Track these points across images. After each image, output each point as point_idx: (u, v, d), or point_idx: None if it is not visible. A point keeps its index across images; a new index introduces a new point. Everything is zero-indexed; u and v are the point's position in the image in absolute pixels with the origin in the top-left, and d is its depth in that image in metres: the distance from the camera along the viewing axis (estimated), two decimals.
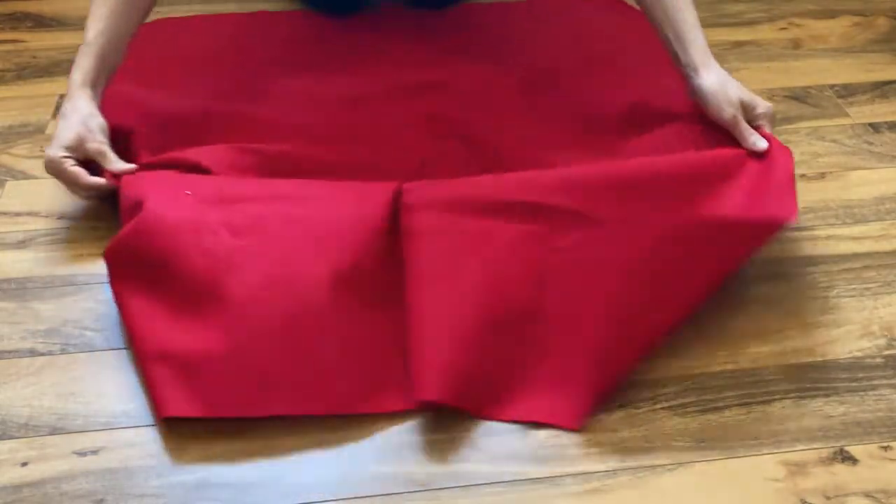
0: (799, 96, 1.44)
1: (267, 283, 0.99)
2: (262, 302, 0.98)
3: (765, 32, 1.60)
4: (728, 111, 1.15)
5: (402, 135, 1.29)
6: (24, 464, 0.92)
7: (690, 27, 1.18)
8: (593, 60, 1.45)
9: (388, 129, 1.30)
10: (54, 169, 1.13)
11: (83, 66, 1.17)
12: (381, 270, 1.04)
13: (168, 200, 1.05)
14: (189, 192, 1.06)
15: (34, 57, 1.50)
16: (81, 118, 1.14)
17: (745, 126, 1.14)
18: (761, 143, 1.13)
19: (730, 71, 1.41)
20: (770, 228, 1.06)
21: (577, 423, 0.95)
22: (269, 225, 1.05)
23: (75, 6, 1.64)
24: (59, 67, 1.47)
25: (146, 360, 0.97)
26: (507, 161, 1.25)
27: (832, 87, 1.46)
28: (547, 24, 1.55)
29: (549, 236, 1.05)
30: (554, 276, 1.04)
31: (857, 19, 1.63)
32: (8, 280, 1.10)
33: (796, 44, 1.57)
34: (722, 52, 1.54)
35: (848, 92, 1.45)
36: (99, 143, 1.14)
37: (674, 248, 1.04)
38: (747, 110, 1.15)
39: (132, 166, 1.14)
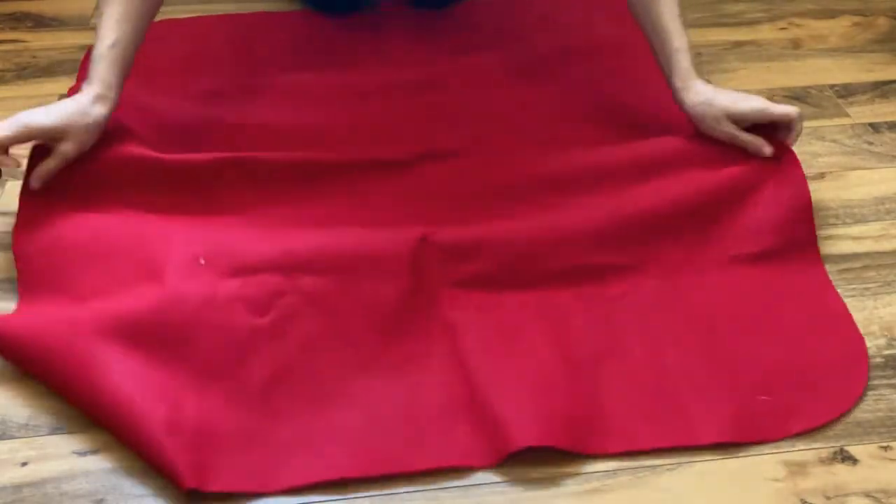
0: (799, 96, 1.44)
1: (289, 370, 0.98)
2: (284, 386, 0.97)
3: (765, 32, 1.60)
4: (717, 129, 1.17)
5: (401, 134, 1.29)
6: (24, 464, 0.92)
7: (674, 50, 1.19)
8: (595, 59, 1.45)
9: (388, 129, 1.30)
10: (16, 132, 1.08)
11: (110, 71, 1.12)
12: (406, 339, 1.03)
13: (184, 275, 1.02)
14: (203, 262, 1.04)
15: (34, 57, 1.50)
16: (92, 123, 1.10)
17: (742, 138, 1.16)
18: (766, 149, 1.15)
19: (730, 71, 1.41)
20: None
21: (682, 441, 0.95)
22: (288, 305, 1.02)
23: (75, 6, 1.64)
24: (60, 67, 1.47)
25: (154, 431, 0.90)
26: (507, 160, 1.25)
27: (832, 87, 1.46)
28: (547, 23, 1.55)
29: (600, 290, 1.09)
30: (618, 320, 1.06)
31: (857, 19, 1.63)
32: (8, 280, 1.10)
33: (796, 44, 1.57)
34: (722, 52, 1.54)
35: (848, 92, 1.45)
36: (65, 152, 1.10)
37: (704, 277, 1.11)
38: (741, 121, 1.16)
39: (33, 189, 1.10)
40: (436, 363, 1.01)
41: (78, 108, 1.10)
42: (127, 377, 0.93)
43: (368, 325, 1.03)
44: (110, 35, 1.14)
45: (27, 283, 1.07)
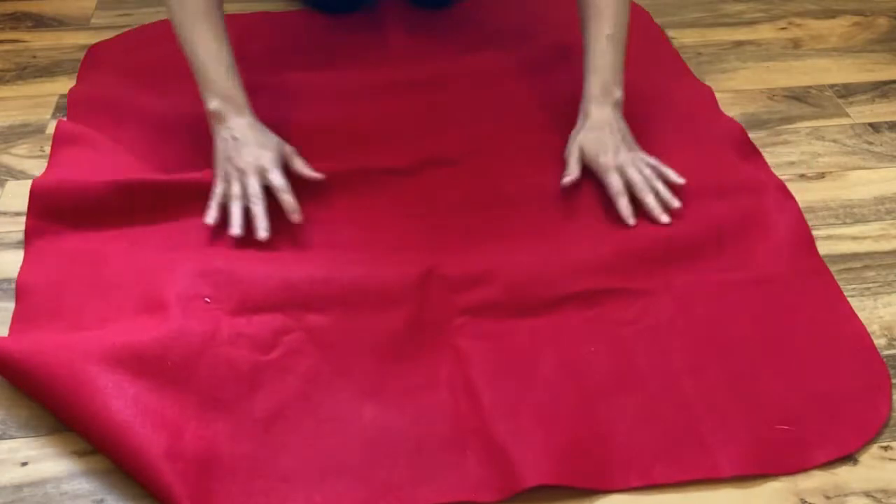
0: (799, 96, 1.44)
1: (293, 401, 0.96)
2: (287, 417, 0.95)
3: (765, 32, 1.60)
4: (565, 151, 1.21)
5: (401, 133, 1.29)
6: (24, 464, 0.92)
7: (587, 70, 1.22)
8: None
9: (388, 128, 1.30)
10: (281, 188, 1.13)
11: (242, 93, 1.19)
12: (413, 369, 1.00)
13: (188, 312, 1.01)
14: (208, 300, 1.03)
15: (34, 57, 1.50)
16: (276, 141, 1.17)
17: (568, 161, 1.19)
18: (565, 179, 1.18)
19: (729, 71, 1.41)
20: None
21: (700, 475, 0.91)
22: (293, 342, 1.01)
23: (75, 6, 1.64)
24: (59, 67, 1.47)
25: (153, 457, 0.88)
26: (507, 158, 1.25)
27: (832, 87, 1.46)
28: (546, 22, 1.55)
29: (611, 314, 1.06)
30: (631, 347, 1.03)
31: (857, 19, 1.63)
32: (8, 280, 1.10)
33: (796, 44, 1.57)
34: (722, 52, 1.54)
35: (848, 92, 1.45)
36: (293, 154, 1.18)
37: (717, 302, 1.08)
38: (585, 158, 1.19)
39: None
40: (443, 394, 0.98)
41: (265, 142, 1.17)
42: (128, 403, 0.91)
43: (374, 356, 1.01)
44: (224, 56, 1.18)
45: (25, 313, 1.05)
